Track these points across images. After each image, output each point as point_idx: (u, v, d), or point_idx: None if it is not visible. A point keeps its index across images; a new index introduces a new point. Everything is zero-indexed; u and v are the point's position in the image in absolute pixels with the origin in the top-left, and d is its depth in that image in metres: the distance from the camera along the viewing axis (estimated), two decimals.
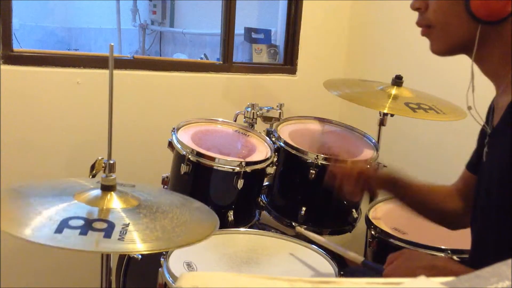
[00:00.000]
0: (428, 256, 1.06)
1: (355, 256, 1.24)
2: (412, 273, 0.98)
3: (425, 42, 1.03)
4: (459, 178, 1.23)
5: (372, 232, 1.52)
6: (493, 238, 0.95)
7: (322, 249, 1.38)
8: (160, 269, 1.22)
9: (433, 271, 0.97)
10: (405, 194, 1.25)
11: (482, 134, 1.08)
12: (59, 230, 0.95)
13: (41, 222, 0.98)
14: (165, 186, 1.72)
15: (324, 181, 1.34)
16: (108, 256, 1.17)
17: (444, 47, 0.98)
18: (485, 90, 0.99)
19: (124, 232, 0.99)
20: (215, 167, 1.59)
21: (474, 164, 1.16)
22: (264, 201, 1.80)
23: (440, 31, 0.96)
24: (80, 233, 0.96)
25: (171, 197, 1.27)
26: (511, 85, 0.93)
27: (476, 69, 0.98)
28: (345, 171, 1.28)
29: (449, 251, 1.36)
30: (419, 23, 0.99)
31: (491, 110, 1.03)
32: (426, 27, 0.98)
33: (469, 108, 0.98)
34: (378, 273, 1.14)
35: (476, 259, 1.03)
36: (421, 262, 1.03)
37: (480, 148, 1.06)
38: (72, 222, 0.99)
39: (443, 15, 0.94)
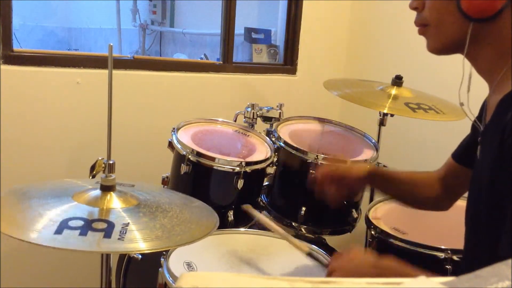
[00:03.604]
0: (371, 256, 1.09)
1: (301, 244, 1.27)
2: (356, 272, 1.02)
3: (425, 42, 1.03)
4: (443, 165, 1.29)
5: (372, 232, 1.52)
6: (485, 236, 0.95)
7: (321, 249, 1.38)
8: (160, 269, 1.22)
9: (376, 269, 1.00)
10: (387, 185, 1.36)
11: (475, 130, 1.10)
12: (58, 231, 0.96)
13: (41, 224, 0.98)
14: (165, 186, 1.72)
15: (308, 184, 1.39)
16: (108, 256, 1.18)
17: (439, 45, 0.99)
18: (480, 88, 1.00)
19: (124, 232, 0.99)
20: (215, 167, 1.59)
21: (459, 155, 1.22)
22: (264, 201, 1.80)
23: (435, 30, 0.98)
24: (80, 234, 0.96)
25: (171, 196, 1.27)
26: (508, 82, 0.93)
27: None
28: (324, 176, 1.32)
29: (449, 251, 1.36)
30: (416, 22, 1.02)
31: (484, 108, 1.04)
32: (423, 26, 1.00)
33: (461, 104, 0.99)
34: (323, 266, 1.22)
35: (468, 257, 1.03)
36: (365, 261, 1.06)
37: (472, 144, 1.07)
38: (72, 223, 0.99)
39: (437, 14, 0.96)
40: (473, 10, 0.90)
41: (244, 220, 1.67)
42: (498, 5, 0.89)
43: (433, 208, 1.36)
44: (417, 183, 1.32)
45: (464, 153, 1.19)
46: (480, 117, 1.06)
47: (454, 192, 1.28)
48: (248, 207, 1.48)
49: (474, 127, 1.12)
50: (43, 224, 0.98)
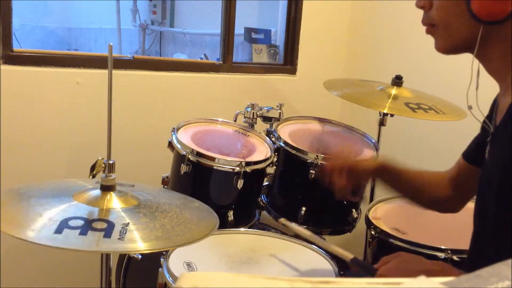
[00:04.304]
0: (424, 260, 1.05)
1: (344, 252, 1.21)
2: (408, 276, 0.96)
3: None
4: (453, 165, 1.26)
5: (372, 232, 1.52)
6: (491, 237, 0.95)
7: (321, 249, 1.38)
8: (160, 269, 1.22)
9: (430, 275, 0.96)
10: (396, 181, 1.30)
11: (485, 130, 1.09)
12: (58, 230, 0.96)
13: (41, 223, 0.98)
14: (165, 186, 1.72)
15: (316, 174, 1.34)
16: (108, 256, 1.18)
17: (447, 45, 0.98)
18: (488, 88, 0.99)
19: (124, 232, 0.99)
20: (215, 167, 1.59)
21: (470, 154, 1.19)
22: (264, 201, 1.80)
23: (443, 30, 0.97)
24: (80, 233, 0.96)
25: (171, 197, 1.27)
26: (511, 86, 0.93)
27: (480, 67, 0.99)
28: (334, 167, 1.29)
29: (449, 251, 1.35)
30: (423, 22, 1.00)
31: (495, 108, 1.03)
32: (430, 26, 0.99)
33: (470, 107, 0.98)
34: (370, 273, 1.10)
35: (475, 257, 1.03)
36: (418, 265, 1.03)
37: (482, 144, 1.07)
38: (72, 223, 0.99)
39: (446, 14, 0.95)
40: (484, 13, 0.89)
41: (244, 220, 1.67)
42: (509, 8, 0.87)
43: (442, 209, 1.31)
44: (426, 182, 1.28)
45: (475, 153, 1.15)
46: (490, 116, 1.04)
47: (465, 193, 1.24)
48: (284, 221, 1.45)
49: (483, 127, 1.11)
50: (43, 224, 0.98)
